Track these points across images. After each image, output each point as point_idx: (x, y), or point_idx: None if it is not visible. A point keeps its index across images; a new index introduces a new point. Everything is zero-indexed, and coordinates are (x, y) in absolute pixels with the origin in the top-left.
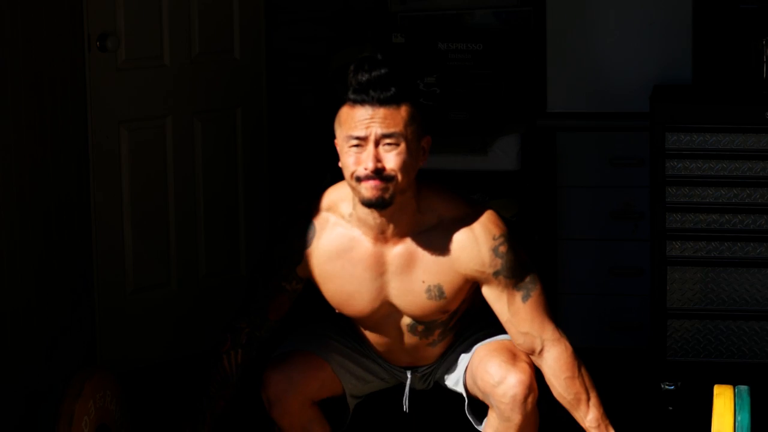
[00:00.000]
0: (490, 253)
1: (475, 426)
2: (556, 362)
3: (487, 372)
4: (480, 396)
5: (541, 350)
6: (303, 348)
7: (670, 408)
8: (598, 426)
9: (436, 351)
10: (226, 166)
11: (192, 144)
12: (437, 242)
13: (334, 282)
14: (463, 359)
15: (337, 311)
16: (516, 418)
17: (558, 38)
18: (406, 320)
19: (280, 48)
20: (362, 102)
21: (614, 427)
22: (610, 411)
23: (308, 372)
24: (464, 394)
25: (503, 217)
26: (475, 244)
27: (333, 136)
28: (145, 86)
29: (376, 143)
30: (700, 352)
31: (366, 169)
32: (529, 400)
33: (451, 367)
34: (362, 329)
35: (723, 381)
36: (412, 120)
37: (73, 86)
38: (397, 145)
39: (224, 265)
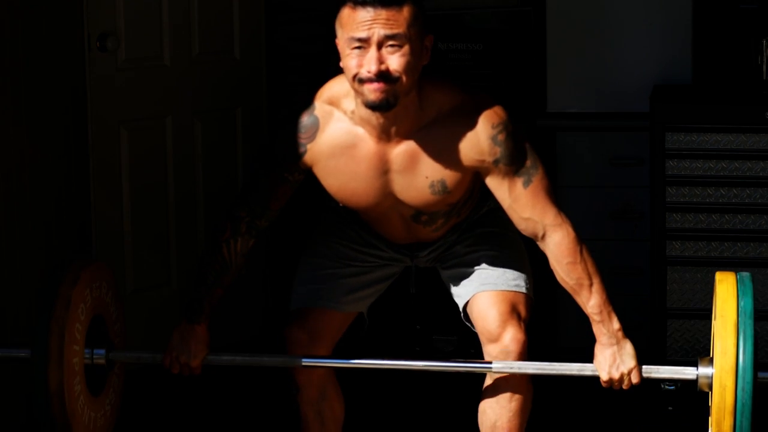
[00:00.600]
0: (489, 141)
1: (473, 329)
2: (558, 247)
3: (484, 327)
4: None
5: (543, 235)
6: (317, 304)
7: (670, 408)
8: (600, 312)
9: (440, 233)
10: (226, 166)
11: (192, 144)
12: (438, 137)
13: (337, 178)
14: (463, 284)
15: (340, 204)
16: (511, 377)
17: (558, 38)
18: (410, 211)
19: (279, 47)
20: (363, 3)
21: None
22: (610, 411)
23: (327, 327)
24: (460, 308)
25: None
26: (474, 135)
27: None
28: (145, 86)
29: (379, 45)
30: (700, 352)
31: (369, 72)
32: (523, 358)
33: (451, 277)
34: (365, 218)
35: None
36: (414, 20)
37: (73, 86)
38: (401, 46)
39: None
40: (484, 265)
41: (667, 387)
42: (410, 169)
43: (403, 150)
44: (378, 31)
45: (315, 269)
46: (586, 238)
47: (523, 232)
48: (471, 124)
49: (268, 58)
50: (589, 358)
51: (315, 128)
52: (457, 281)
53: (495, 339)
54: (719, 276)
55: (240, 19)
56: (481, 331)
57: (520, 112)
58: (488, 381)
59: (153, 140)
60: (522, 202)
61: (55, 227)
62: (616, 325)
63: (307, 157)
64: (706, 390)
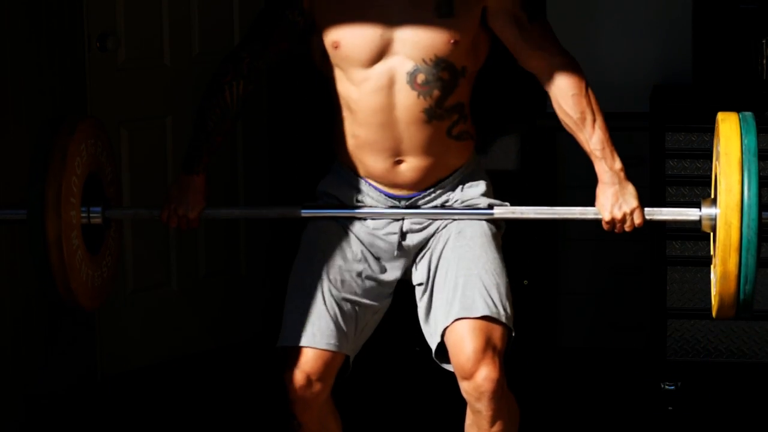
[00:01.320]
0: None
1: (443, 366)
2: (564, 79)
3: (458, 362)
4: None
5: (551, 70)
6: (314, 344)
7: (670, 408)
8: (603, 149)
9: (428, 150)
10: (225, 166)
11: None
12: None
13: (338, 4)
14: (441, 307)
15: (332, 49)
16: (486, 411)
17: (558, 38)
18: (406, 66)
19: None
20: None
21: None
22: (610, 411)
23: (325, 366)
24: (432, 346)
25: None
26: None
27: (333, 133)
28: (145, 86)
29: None
30: (700, 352)
31: None
32: (498, 394)
33: (430, 301)
34: (354, 92)
35: (723, 381)
36: None
37: (73, 86)
38: None
39: (224, 265)
40: (465, 288)
41: (667, 387)
42: None
43: None
44: None
45: (305, 299)
46: (586, 239)
47: (531, 69)
48: None
49: None
50: (587, 359)
51: None
52: (435, 305)
53: (468, 376)
54: (721, 116)
55: (240, 19)
56: (455, 365)
57: (520, 112)
58: (469, 409)
59: (153, 140)
60: (529, 38)
61: None
62: (618, 164)
63: None
64: (708, 231)
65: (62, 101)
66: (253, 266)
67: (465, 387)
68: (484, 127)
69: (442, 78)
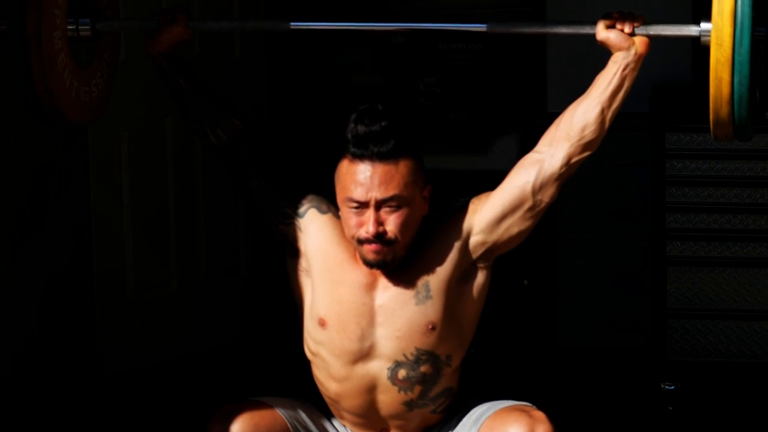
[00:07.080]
0: (464, 209)
1: None
2: (561, 131)
3: None
4: None
5: (555, 154)
6: (256, 398)
7: (670, 408)
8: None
9: (413, 424)
10: (223, 165)
11: (192, 144)
12: (421, 246)
13: (324, 256)
14: None
15: (316, 323)
16: None
17: (558, 38)
18: (387, 364)
19: (280, 48)
20: (361, 157)
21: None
22: (610, 411)
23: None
24: None
25: None
26: (449, 218)
27: (332, 137)
28: (145, 86)
29: (377, 206)
30: (700, 352)
31: (367, 233)
32: None
33: None
34: (334, 386)
35: (723, 381)
36: (412, 174)
37: None
38: (398, 207)
39: (224, 265)
40: (489, 405)
41: (667, 387)
42: (397, 282)
43: (395, 270)
44: (375, 195)
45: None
46: (586, 238)
47: (543, 180)
48: (443, 217)
49: (268, 59)
50: (587, 359)
51: (334, 212)
52: None
53: None
54: None
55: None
56: None
57: (520, 112)
58: None
59: (153, 140)
60: (516, 173)
61: (55, 227)
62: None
63: (314, 213)
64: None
65: None
66: (253, 266)
67: None
68: (484, 127)
69: (425, 373)
